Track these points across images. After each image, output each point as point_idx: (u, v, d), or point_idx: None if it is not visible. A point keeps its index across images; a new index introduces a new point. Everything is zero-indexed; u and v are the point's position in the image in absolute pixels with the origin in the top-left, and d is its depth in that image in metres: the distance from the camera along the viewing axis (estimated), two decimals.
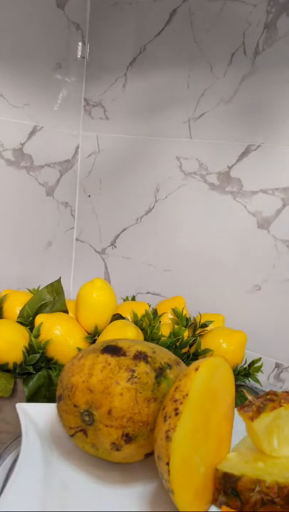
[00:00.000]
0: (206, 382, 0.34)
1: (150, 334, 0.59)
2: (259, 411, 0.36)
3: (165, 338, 0.59)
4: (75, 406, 0.36)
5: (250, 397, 0.38)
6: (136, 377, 0.36)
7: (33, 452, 0.38)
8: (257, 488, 0.32)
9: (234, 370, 0.60)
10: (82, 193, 0.79)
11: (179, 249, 0.72)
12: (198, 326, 0.64)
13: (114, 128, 0.74)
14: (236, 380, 0.58)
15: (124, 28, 0.70)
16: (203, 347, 0.60)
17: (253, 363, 0.61)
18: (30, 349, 0.54)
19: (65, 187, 0.77)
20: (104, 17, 0.71)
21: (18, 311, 0.62)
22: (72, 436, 0.38)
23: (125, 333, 0.55)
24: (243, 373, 0.60)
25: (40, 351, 0.54)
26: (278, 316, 0.64)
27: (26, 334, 0.56)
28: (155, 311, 0.67)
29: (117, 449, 0.35)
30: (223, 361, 0.37)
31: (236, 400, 0.40)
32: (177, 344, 0.59)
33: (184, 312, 0.65)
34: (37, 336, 0.55)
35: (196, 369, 0.34)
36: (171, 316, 0.66)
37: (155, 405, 0.36)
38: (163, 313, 0.66)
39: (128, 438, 0.35)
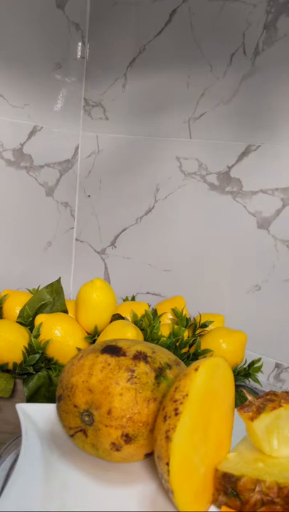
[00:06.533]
0: (205, 383, 0.34)
1: (150, 334, 0.59)
2: (259, 411, 0.36)
3: (165, 338, 0.59)
4: (75, 406, 0.36)
5: (250, 397, 0.38)
6: (136, 377, 0.36)
7: (33, 452, 0.38)
8: (257, 488, 0.32)
9: (234, 370, 0.60)
10: (82, 193, 0.79)
11: (179, 249, 0.72)
12: (198, 326, 0.64)
13: (114, 128, 0.74)
14: (236, 380, 0.59)
15: (124, 28, 0.70)
16: (203, 347, 0.60)
17: (252, 363, 0.61)
18: (30, 349, 0.54)
19: (65, 187, 0.77)
20: (104, 17, 0.71)
21: (18, 311, 0.62)
22: (72, 436, 0.38)
23: (125, 333, 0.55)
24: (243, 373, 0.60)
25: (40, 351, 0.54)
26: (278, 316, 0.64)
27: (26, 334, 0.56)
28: (155, 311, 0.67)
29: (117, 449, 0.35)
30: (223, 361, 0.37)
31: (236, 400, 0.40)
32: (177, 344, 0.59)
33: (184, 312, 0.65)
34: (37, 336, 0.55)
35: (196, 369, 0.34)
36: (171, 316, 0.66)
37: (155, 405, 0.36)
38: (163, 314, 0.66)
39: (128, 438, 0.35)
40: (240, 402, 0.52)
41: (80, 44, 0.73)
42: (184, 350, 0.60)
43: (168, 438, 0.32)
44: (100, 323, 0.60)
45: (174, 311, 0.66)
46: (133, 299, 0.75)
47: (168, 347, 0.58)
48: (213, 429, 0.36)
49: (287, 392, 0.38)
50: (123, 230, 0.77)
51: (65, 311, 0.63)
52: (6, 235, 0.71)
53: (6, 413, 0.49)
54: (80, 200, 0.80)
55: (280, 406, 0.36)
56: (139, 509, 0.35)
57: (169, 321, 0.66)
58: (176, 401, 0.33)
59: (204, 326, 0.64)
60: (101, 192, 0.78)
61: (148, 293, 0.76)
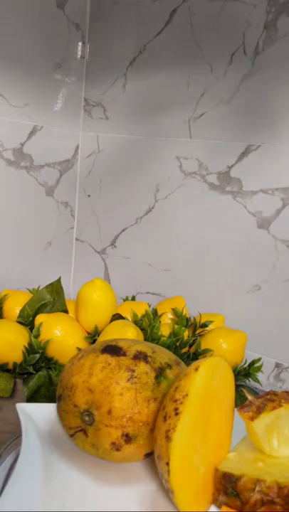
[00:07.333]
0: (206, 382, 0.34)
1: (150, 334, 0.59)
2: (259, 411, 0.36)
3: (165, 338, 0.59)
4: (75, 406, 0.36)
5: (250, 397, 0.38)
6: (136, 377, 0.36)
7: (33, 452, 0.38)
8: (257, 488, 0.32)
9: (234, 370, 0.60)
10: (82, 193, 0.79)
11: (179, 249, 0.72)
12: (198, 325, 0.64)
13: (114, 128, 0.74)
14: (236, 380, 0.59)
15: (124, 28, 0.70)
16: (203, 347, 0.60)
17: (253, 363, 0.61)
18: (30, 349, 0.54)
19: (65, 187, 0.77)
20: (104, 17, 0.71)
21: (18, 311, 0.62)
22: (72, 436, 0.38)
23: (125, 333, 0.55)
24: (243, 373, 0.60)
25: (40, 351, 0.54)
26: (278, 316, 0.64)
27: (26, 334, 0.56)
28: (155, 311, 0.67)
29: (117, 449, 0.35)
30: (223, 361, 0.37)
31: (236, 400, 0.40)
32: (177, 344, 0.59)
33: (184, 312, 0.65)
34: (37, 336, 0.55)
35: (196, 369, 0.34)
36: (171, 316, 0.66)
37: (155, 405, 0.36)
38: (163, 313, 0.66)
39: (128, 438, 0.35)
40: (240, 401, 0.52)
41: (80, 44, 0.73)
42: (184, 350, 0.60)
43: (168, 438, 0.32)
44: (100, 323, 0.60)
45: (174, 311, 0.66)
46: (133, 298, 0.75)
47: (168, 347, 0.58)
48: (213, 428, 0.36)
49: (287, 392, 0.38)
50: (123, 230, 0.77)
51: (65, 311, 0.63)
52: (6, 235, 0.71)
53: (6, 413, 0.49)
54: (80, 200, 0.80)
55: (280, 406, 0.36)
56: (139, 509, 0.35)
57: (169, 321, 0.66)
58: (176, 401, 0.33)
59: (204, 325, 0.64)
60: (101, 192, 0.78)
61: (148, 293, 0.76)
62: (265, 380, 0.66)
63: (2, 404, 0.50)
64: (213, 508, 0.35)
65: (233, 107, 0.63)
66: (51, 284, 0.64)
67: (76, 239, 0.82)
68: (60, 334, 0.56)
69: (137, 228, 0.75)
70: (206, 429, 0.35)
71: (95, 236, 0.80)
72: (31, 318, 0.59)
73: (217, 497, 0.35)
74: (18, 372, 0.53)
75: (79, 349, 0.56)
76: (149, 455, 0.37)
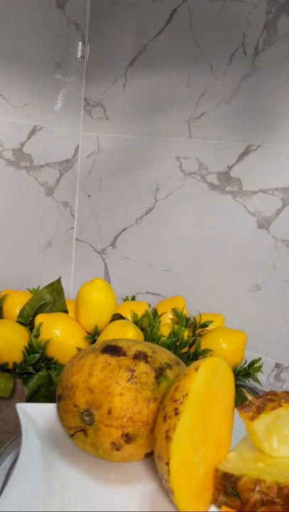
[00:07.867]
0: (205, 382, 0.34)
1: (150, 334, 0.59)
2: (259, 411, 0.36)
3: (165, 338, 0.59)
4: (75, 406, 0.36)
5: (250, 397, 0.38)
6: (136, 377, 0.36)
7: (33, 452, 0.38)
8: (257, 488, 0.32)
9: (234, 370, 0.60)
10: (82, 193, 0.79)
11: (179, 249, 0.72)
12: (198, 325, 0.64)
13: (114, 128, 0.74)
14: (236, 380, 0.59)
15: (124, 28, 0.70)
16: (203, 347, 0.60)
17: (253, 363, 0.61)
18: (30, 349, 0.54)
19: (65, 187, 0.77)
20: (104, 17, 0.71)
21: (18, 311, 0.62)
22: (72, 436, 0.38)
23: (125, 333, 0.55)
24: (243, 373, 0.60)
25: (40, 351, 0.54)
26: (278, 316, 0.64)
27: (26, 334, 0.56)
28: (155, 311, 0.67)
29: (117, 449, 0.35)
30: (223, 361, 0.37)
31: (236, 400, 0.40)
32: (177, 344, 0.59)
33: (184, 312, 0.65)
34: (37, 336, 0.55)
35: (196, 369, 0.34)
36: (171, 316, 0.66)
37: (155, 405, 0.36)
38: (163, 313, 0.66)
39: (128, 438, 0.35)
40: (240, 401, 0.52)
41: (80, 44, 0.73)
42: (184, 350, 0.60)
43: (168, 438, 0.32)
44: (100, 323, 0.60)
45: (174, 311, 0.66)
46: (133, 298, 0.75)
47: (168, 347, 0.58)
48: (213, 428, 0.36)
49: (287, 392, 0.38)
50: (123, 230, 0.77)
51: (65, 311, 0.63)
52: (6, 235, 0.71)
53: (6, 413, 0.49)
54: (80, 200, 0.80)
55: (280, 406, 0.36)
56: (139, 509, 0.35)
57: (169, 321, 0.66)
58: (176, 401, 0.33)
59: (204, 325, 0.64)
60: (101, 192, 0.78)
61: (148, 293, 0.76)
62: (265, 380, 0.66)
63: (2, 404, 0.50)
64: (213, 508, 0.35)
65: (233, 106, 0.63)
66: (51, 284, 0.64)
67: (76, 239, 0.82)
68: (60, 334, 0.56)
69: (137, 228, 0.75)
70: (206, 429, 0.35)
71: (95, 236, 0.80)
72: (31, 318, 0.59)
73: (217, 497, 0.35)
74: (18, 372, 0.53)
75: (79, 349, 0.56)
76: (149, 455, 0.37)
